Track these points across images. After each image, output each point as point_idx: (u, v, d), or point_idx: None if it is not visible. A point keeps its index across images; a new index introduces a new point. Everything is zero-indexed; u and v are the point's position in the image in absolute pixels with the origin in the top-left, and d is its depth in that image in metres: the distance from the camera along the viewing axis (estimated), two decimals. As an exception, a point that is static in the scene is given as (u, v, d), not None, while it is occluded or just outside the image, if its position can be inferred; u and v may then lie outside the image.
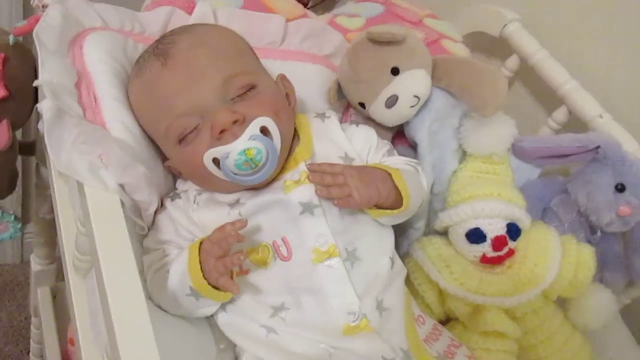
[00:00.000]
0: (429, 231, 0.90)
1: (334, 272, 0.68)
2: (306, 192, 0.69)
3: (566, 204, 0.91)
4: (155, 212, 0.73)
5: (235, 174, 0.66)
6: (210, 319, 0.73)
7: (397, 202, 0.71)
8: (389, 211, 0.71)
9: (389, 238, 0.76)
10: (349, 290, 0.68)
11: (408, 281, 0.85)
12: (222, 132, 0.66)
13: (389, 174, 0.71)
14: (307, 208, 0.69)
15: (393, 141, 0.92)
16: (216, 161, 0.67)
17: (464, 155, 0.90)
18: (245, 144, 0.64)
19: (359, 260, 0.70)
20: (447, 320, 0.87)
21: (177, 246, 0.71)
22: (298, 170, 0.71)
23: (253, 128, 0.65)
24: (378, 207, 0.71)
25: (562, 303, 0.88)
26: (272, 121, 0.67)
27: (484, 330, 0.81)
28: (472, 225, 0.82)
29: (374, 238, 0.73)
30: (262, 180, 0.67)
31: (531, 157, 0.90)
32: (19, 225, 1.05)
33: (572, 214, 0.91)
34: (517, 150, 0.90)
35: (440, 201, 0.89)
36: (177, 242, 0.71)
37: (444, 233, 0.87)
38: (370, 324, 0.67)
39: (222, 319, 0.72)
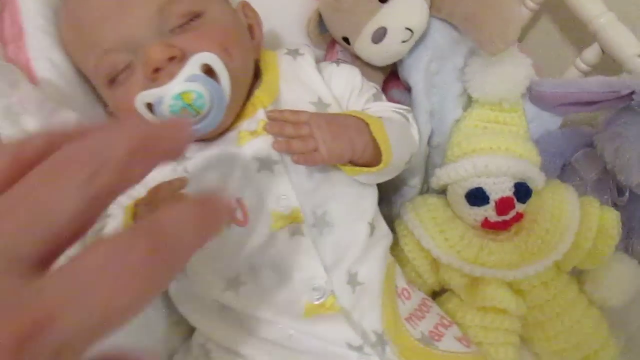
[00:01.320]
0: (427, 189, 0.78)
1: (296, 240, 0.57)
2: (264, 145, 0.58)
3: (590, 159, 0.78)
4: None
5: None
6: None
7: (376, 157, 0.59)
8: (365, 169, 0.59)
9: (370, 199, 0.64)
10: (315, 262, 0.57)
11: (397, 247, 0.74)
12: (156, 71, 0.54)
13: (367, 124, 0.59)
14: (264, 164, 0.58)
15: (387, 84, 0.79)
16: (150, 107, 0.55)
17: (469, 101, 0.76)
18: (181, 87, 0.53)
19: (330, 227, 0.59)
20: (442, 292, 0.76)
21: (119, 205, 0.61)
22: (256, 118, 0.59)
23: (191, 66, 0.53)
24: (353, 163, 0.59)
25: (577, 274, 0.76)
26: (217, 58, 0.54)
27: (482, 306, 0.69)
28: (474, 184, 0.70)
29: (351, 200, 0.62)
30: (207, 131, 0.56)
31: (551, 104, 0.76)
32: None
33: (596, 172, 0.78)
34: (535, 96, 0.76)
35: (440, 155, 0.77)
36: (119, 200, 0.61)
37: (444, 192, 0.75)
38: (338, 302, 0.57)
39: (172, 288, 0.62)
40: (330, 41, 0.77)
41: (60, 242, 0.23)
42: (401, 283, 0.65)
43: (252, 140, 0.58)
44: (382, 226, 0.66)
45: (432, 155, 0.77)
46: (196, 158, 0.59)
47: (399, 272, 0.67)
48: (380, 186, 0.78)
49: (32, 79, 0.59)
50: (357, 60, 0.73)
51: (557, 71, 0.88)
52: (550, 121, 0.79)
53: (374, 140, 0.58)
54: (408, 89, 0.76)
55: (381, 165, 0.58)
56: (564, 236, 0.69)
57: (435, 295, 0.76)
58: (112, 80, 0.57)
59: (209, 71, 0.54)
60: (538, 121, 0.78)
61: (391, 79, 0.78)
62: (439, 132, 0.76)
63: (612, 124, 0.75)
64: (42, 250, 0.23)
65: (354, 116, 0.59)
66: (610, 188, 0.78)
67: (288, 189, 0.58)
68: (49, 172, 0.23)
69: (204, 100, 0.53)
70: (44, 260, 0.23)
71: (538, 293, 0.73)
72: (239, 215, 0.58)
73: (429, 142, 0.76)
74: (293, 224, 0.58)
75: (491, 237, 0.72)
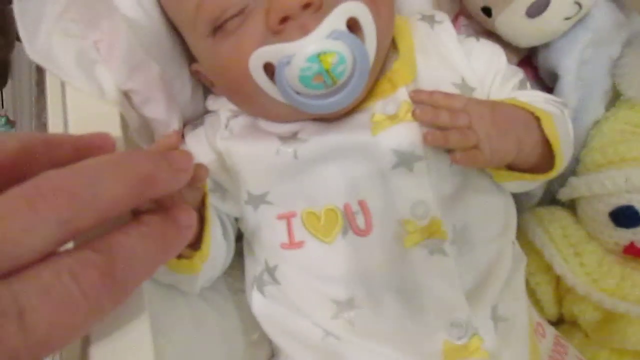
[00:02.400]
0: (550, 200, 0.66)
1: (436, 260, 0.45)
2: (407, 134, 0.45)
3: None
4: None
5: (299, 93, 0.41)
6: (241, 299, 0.52)
7: (542, 161, 0.46)
8: (529, 175, 0.46)
9: (514, 212, 0.52)
10: (455, 291, 0.45)
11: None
12: (284, 20, 0.40)
13: (537, 118, 0.46)
14: (404, 160, 0.45)
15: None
16: (270, 68, 0.42)
17: (613, 100, 0.63)
18: (320, 45, 0.39)
19: (470, 245, 0.47)
20: (557, 322, 0.64)
21: None
22: (395, 98, 0.46)
23: (337, 18, 0.40)
24: (511, 167, 0.46)
25: None
26: (368, 11, 0.41)
27: (620, 348, 0.58)
28: (622, 200, 0.57)
29: (495, 212, 0.50)
30: (342, 106, 0.43)
31: None
32: (12, 130, 0.84)
33: None
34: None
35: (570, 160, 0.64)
36: None
37: (568, 205, 0.63)
38: (484, 346, 0.45)
39: (257, 305, 0.50)
40: (456, 13, 0.64)
41: (23, 265, 0.23)
42: (535, 316, 0.53)
43: (391, 128, 0.45)
44: (518, 247, 0.54)
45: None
46: (312, 142, 0.46)
47: (530, 304, 0.55)
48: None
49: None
50: (490, 38, 0.60)
51: None
52: None
53: (544, 140, 0.45)
54: (542, 81, 0.63)
55: (553, 171, 0.45)
56: None
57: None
58: (218, 28, 0.43)
59: (352, 27, 0.41)
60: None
61: (523, 65, 0.65)
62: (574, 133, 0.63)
63: None
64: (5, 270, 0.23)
65: (519, 107, 0.47)
66: None
67: (427, 194, 0.45)
68: (28, 201, 0.23)
69: (345, 66, 0.40)
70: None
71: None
72: (361, 222, 0.46)
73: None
74: (432, 239, 0.45)
75: (632, 265, 0.60)
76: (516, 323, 0.48)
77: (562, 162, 0.46)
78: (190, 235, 0.30)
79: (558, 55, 0.59)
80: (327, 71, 0.40)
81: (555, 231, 0.60)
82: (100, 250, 0.25)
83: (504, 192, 0.50)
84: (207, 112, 0.54)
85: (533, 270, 0.61)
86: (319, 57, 0.39)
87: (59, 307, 0.23)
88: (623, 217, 0.58)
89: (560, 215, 0.61)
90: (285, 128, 0.47)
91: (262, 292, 0.50)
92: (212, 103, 0.53)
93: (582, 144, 0.63)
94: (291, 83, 0.41)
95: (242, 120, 0.49)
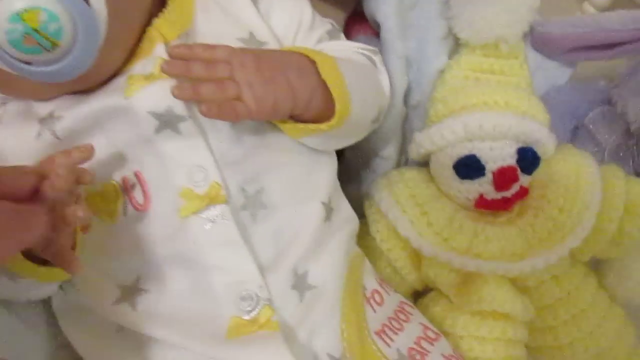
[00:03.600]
0: (406, 162, 0.61)
1: (218, 229, 0.40)
2: (163, 93, 0.40)
3: (608, 119, 0.61)
4: None
5: (17, 59, 0.37)
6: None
7: (325, 109, 0.41)
8: (313, 126, 0.42)
9: (326, 172, 0.47)
10: (245, 260, 0.40)
11: (367, 236, 0.57)
12: None
13: (313, 62, 0.41)
14: (166, 122, 0.40)
15: (350, 28, 0.62)
16: None
17: (456, 46, 0.59)
18: (21, 3, 0.35)
19: (267, 209, 0.42)
20: (426, 292, 0.59)
21: None
22: (153, 57, 0.42)
23: None
24: (296, 118, 0.42)
25: (596, 266, 0.60)
26: None
27: (479, 310, 0.53)
28: (464, 150, 0.53)
29: (297, 172, 0.45)
30: (73, 75, 0.38)
31: (559, 50, 0.60)
32: None
33: (616, 135, 0.61)
34: (539, 39, 0.59)
35: (420, 116, 0.60)
36: None
37: (427, 164, 0.59)
38: (277, 316, 0.40)
39: (56, 302, 0.45)
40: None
41: None
42: (371, 284, 0.48)
43: (144, 88, 0.40)
44: (344, 208, 0.49)
45: (410, 118, 0.60)
46: (67, 117, 0.41)
47: (368, 270, 0.50)
48: (345, 159, 0.61)
49: None
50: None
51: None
52: (557, 73, 0.63)
53: (324, 84, 0.41)
54: (378, 34, 0.59)
55: (333, 120, 0.41)
56: (582, 216, 0.53)
57: (418, 296, 0.60)
58: None
59: None
60: (542, 73, 0.62)
61: (356, 21, 0.61)
62: (419, 88, 0.59)
63: (636, 73, 0.58)
64: None
65: (295, 52, 0.42)
66: (635, 155, 0.61)
67: (204, 157, 0.41)
68: None
69: (59, 24, 0.35)
70: None
71: (548, 290, 0.57)
72: (139, 195, 0.41)
73: (405, 101, 0.59)
74: (212, 206, 0.40)
75: (488, 219, 0.56)
76: (327, 291, 0.43)
77: (346, 108, 0.41)
78: None
79: (374, 4, 0.54)
80: (35, 31, 0.35)
81: (401, 191, 0.55)
82: None
83: (309, 150, 0.46)
84: None
85: (384, 236, 0.56)
86: (20, 15, 0.35)
87: None
88: (466, 168, 0.53)
89: (408, 176, 0.57)
90: (44, 108, 0.42)
91: (61, 286, 0.45)
92: None
93: (429, 97, 0.59)
94: (7, 49, 0.36)
95: (14, 106, 0.45)
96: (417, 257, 0.57)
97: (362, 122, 0.46)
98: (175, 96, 0.38)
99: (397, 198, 0.55)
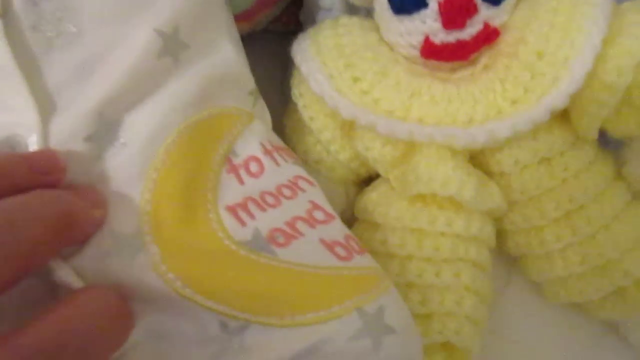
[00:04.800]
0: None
1: None
2: None
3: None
4: None
5: None
6: None
7: None
8: None
9: None
10: (18, 95, 0.30)
11: (291, 103, 0.44)
12: None
13: None
14: None
15: None
16: None
17: None
18: None
19: (69, 33, 0.31)
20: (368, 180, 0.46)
21: None
22: None
23: None
24: None
25: (613, 148, 0.43)
26: None
27: (420, 195, 0.39)
28: (403, -26, 0.38)
29: None
30: None
31: None
32: None
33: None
34: None
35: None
36: None
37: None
38: None
39: None
40: None
41: None
42: (249, 149, 0.36)
43: None
44: (201, 42, 0.36)
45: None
46: None
47: (256, 132, 0.37)
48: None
49: None
50: None
51: None
52: None
53: None
54: None
55: None
56: (574, 62, 0.37)
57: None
58: None
59: None
60: None
61: None
62: None
63: None
64: None
65: None
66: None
67: None
68: None
69: None
70: None
71: (533, 177, 0.41)
72: None
73: None
74: None
75: (443, 76, 0.40)
76: (134, 146, 0.31)
77: None
78: None
79: None
80: None
81: (326, 40, 0.42)
82: None
83: None
84: None
85: (307, 101, 0.43)
86: None
87: None
88: (401, -2, 0.38)
89: (343, 22, 0.43)
90: None
91: None
92: None
93: None
94: None
95: None
96: (352, 129, 0.43)
97: None
98: None
99: (318, 47, 0.41)
